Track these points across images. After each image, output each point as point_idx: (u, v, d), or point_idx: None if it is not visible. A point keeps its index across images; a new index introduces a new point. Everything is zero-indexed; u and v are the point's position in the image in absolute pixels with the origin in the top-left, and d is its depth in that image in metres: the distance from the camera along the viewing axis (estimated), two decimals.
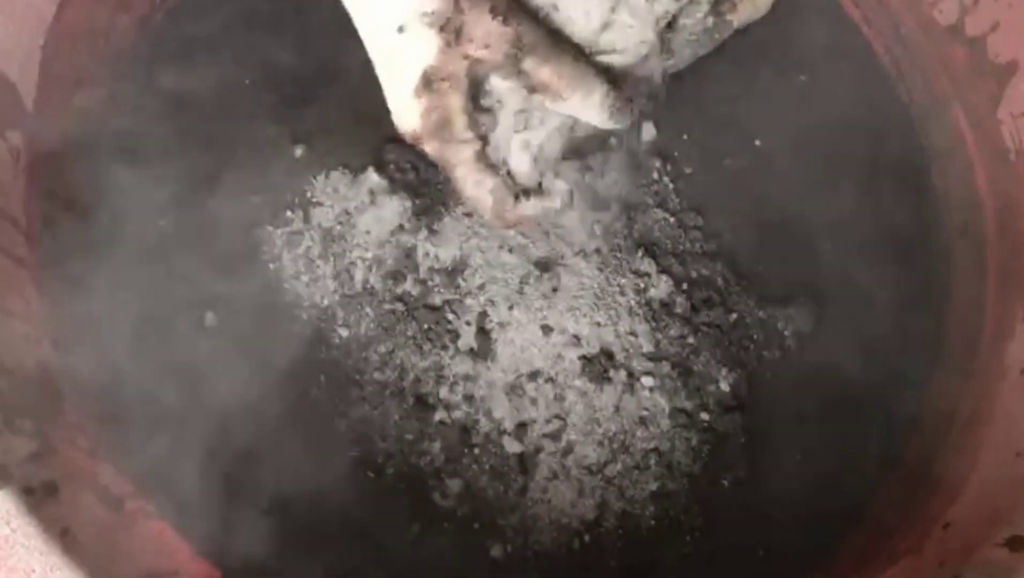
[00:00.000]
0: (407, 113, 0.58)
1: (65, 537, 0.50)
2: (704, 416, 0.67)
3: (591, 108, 0.60)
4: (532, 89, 0.59)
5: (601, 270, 0.69)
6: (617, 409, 0.67)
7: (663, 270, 0.70)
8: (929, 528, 0.64)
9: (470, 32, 0.55)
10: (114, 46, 0.74)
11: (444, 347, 0.68)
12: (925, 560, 0.63)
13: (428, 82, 0.56)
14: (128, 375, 0.66)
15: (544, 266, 0.69)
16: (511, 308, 0.68)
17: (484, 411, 0.67)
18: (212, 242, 0.69)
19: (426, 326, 0.68)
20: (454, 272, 0.69)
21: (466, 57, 0.56)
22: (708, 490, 0.67)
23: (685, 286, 0.70)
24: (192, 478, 0.64)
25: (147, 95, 0.74)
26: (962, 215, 0.74)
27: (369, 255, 0.70)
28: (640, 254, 0.70)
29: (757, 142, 0.74)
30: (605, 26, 0.60)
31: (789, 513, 0.66)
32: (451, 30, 0.55)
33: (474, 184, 0.60)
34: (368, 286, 0.69)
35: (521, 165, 0.62)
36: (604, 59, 0.61)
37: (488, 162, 0.60)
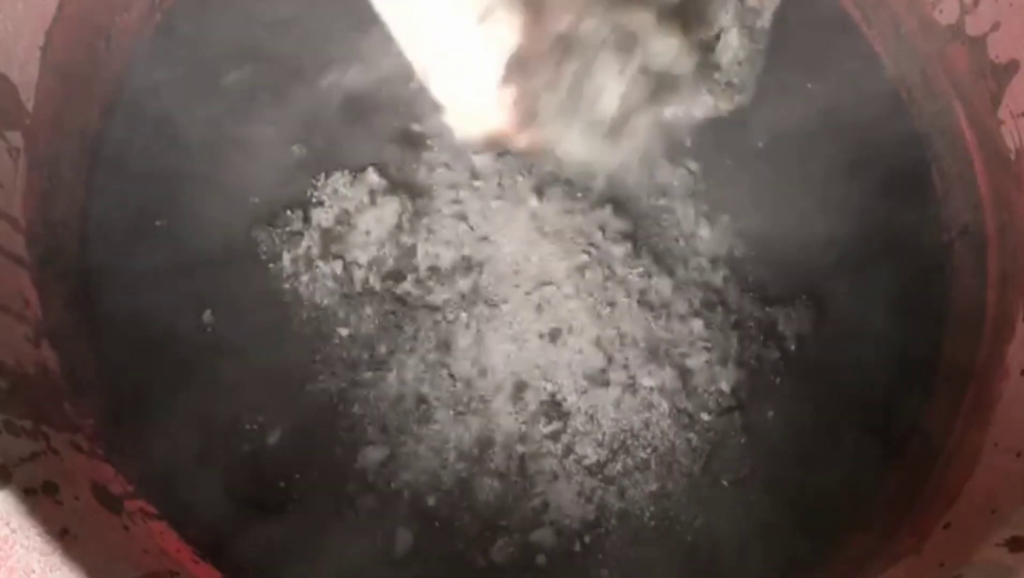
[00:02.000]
0: (489, 111, 0.54)
1: (65, 537, 0.50)
2: (704, 416, 0.67)
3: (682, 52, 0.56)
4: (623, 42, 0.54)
5: (602, 270, 0.69)
6: (617, 409, 0.67)
7: (664, 271, 0.70)
8: (929, 528, 0.64)
9: (552, 4, 0.51)
10: (114, 46, 0.74)
11: (444, 347, 0.68)
12: (925, 560, 0.63)
13: (518, 66, 0.52)
14: (128, 375, 0.67)
15: (544, 267, 0.69)
16: (511, 309, 0.68)
17: (483, 412, 0.67)
18: (212, 242, 0.69)
19: (426, 326, 0.68)
20: (454, 272, 0.69)
21: (556, 31, 0.52)
22: (708, 490, 0.67)
23: (685, 286, 0.70)
24: (192, 478, 0.64)
25: (146, 95, 0.74)
26: (962, 215, 0.74)
27: (369, 255, 0.70)
28: (641, 254, 0.70)
29: (759, 144, 0.74)
30: None
31: (789, 513, 0.66)
32: (533, 8, 0.51)
33: (586, 152, 0.56)
34: (368, 286, 0.69)
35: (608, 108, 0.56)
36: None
37: (590, 128, 0.56)
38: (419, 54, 0.54)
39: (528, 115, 0.54)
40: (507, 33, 0.51)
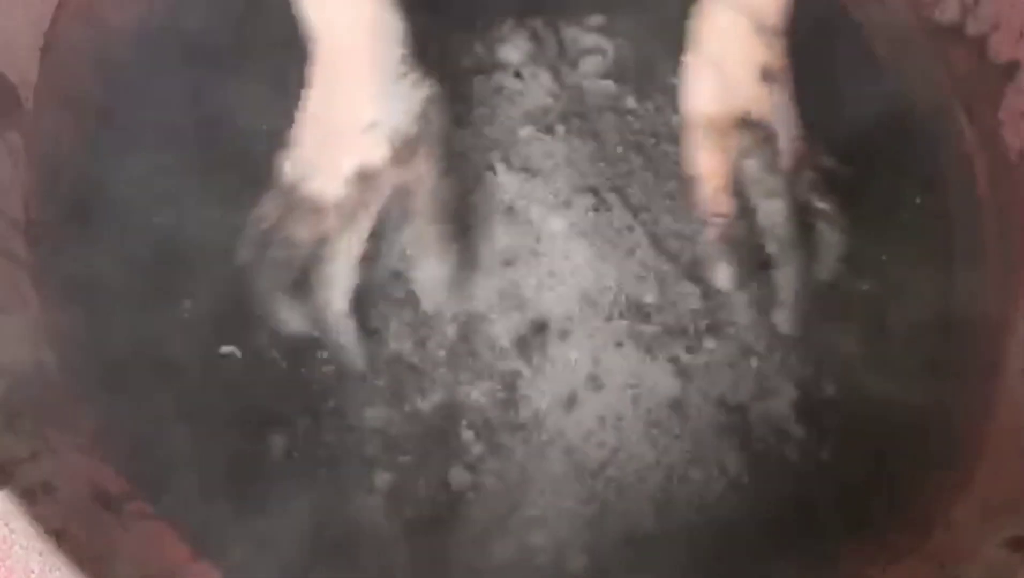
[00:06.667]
0: (330, 189, 0.62)
1: (64, 537, 0.50)
2: (706, 416, 0.67)
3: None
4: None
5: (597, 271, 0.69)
6: (618, 410, 0.67)
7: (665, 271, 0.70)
8: (929, 528, 0.64)
9: (416, 164, 0.63)
10: (114, 46, 0.74)
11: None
12: (925, 560, 0.63)
13: (363, 177, 0.62)
14: (128, 375, 0.67)
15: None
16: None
17: (484, 413, 0.67)
18: (210, 243, 0.69)
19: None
20: None
21: (398, 179, 0.62)
22: (709, 490, 0.67)
23: (686, 287, 0.70)
24: (192, 478, 0.64)
25: (146, 95, 0.74)
26: (962, 215, 0.74)
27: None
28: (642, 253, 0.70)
29: None
30: None
31: (789, 513, 0.66)
32: (406, 152, 0.62)
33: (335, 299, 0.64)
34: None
35: None
36: None
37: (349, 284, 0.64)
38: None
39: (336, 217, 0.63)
40: (374, 151, 0.61)
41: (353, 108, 0.62)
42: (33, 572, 0.48)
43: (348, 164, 0.62)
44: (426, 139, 0.63)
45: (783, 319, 0.67)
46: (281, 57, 0.71)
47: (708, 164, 0.64)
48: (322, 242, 0.63)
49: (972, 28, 0.70)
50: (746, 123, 0.63)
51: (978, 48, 0.70)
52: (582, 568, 0.64)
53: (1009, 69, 0.68)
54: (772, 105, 0.64)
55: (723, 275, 0.65)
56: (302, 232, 0.63)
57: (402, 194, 0.63)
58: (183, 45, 0.75)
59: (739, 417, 0.68)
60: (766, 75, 0.63)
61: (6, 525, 0.48)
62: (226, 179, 0.71)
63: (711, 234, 0.65)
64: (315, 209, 0.63)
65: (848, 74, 0.77)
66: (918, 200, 0.75)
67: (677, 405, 0.67)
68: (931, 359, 0.71)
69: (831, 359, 0.70)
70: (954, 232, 0.74)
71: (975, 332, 0.71)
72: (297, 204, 0.63)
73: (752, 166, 0.64)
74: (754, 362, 0.69)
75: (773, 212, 0.65)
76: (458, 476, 0.66)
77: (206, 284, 0.69)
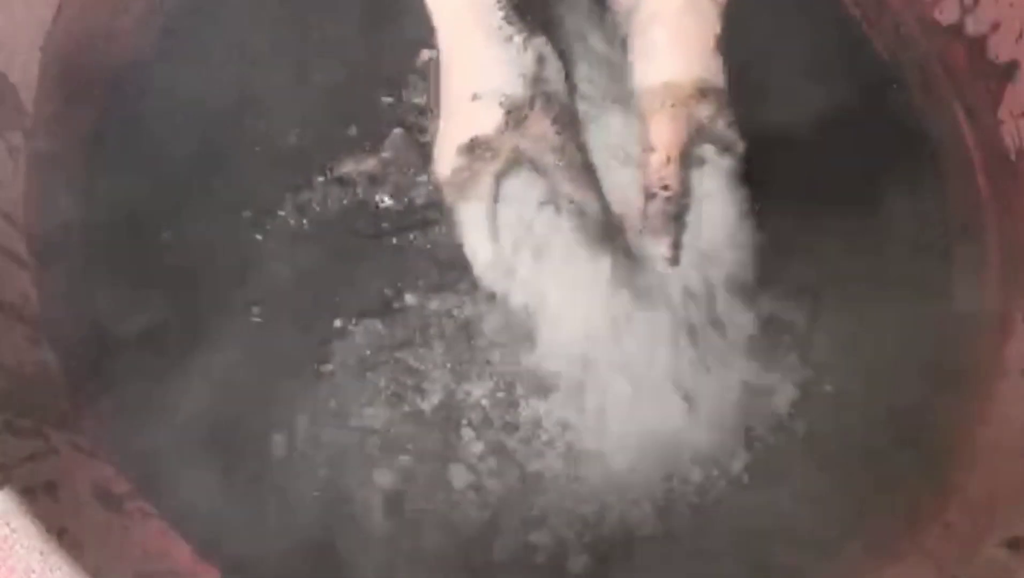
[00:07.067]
0: (444, 162, 0.63)
1: (64, 537, 0.50)
2: (706, 417, 0.67)
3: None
4: (550, 197, 0.64)
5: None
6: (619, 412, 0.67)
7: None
8: (929, 528, 0.64)
9: (530, 125, 0.62)
10: (114, 47, 0.74)
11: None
12: (925, 560, 0.63)
13: (473, 147, 0.62)
14: (128, 375, 0.67)
15: None
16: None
17: (483, 413, 0.67)
18: (210, 243, 0.70)
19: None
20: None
21: (514, 142, 0.62)
22: (709, 490, 0.67)
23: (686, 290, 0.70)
24: (192, 478, 0.64)
25: (146, 95, 0.74)
26: (962, 215, 0.74)
27: None
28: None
29: (759, 144, 0.74)
30: None
31: (789, 513, 0.66)
32: (516, 117, 0.61)
33: (476, 241, 0.65)
34: None
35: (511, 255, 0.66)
36: None
37: (492, 227, 0.65)
38: (443, 98, 0.64)
39: (462, 184, 0.64)
40: (486, 120, 0.62)
41: (462, 78, 0.63)
42: (34, 572, 0.48)
43: (460, 135, 0.63)
44: (540, 100, 0.62)
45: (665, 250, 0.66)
46: (281, 58, 0.71)
47: (665, 134, 0.64)
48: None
49: (972, 28, 0.71)
50: (703, 91, 0.64)
51: (978, 48, 0.70)
52: (582, 568, 0.64)
53: (1009, 69, 0.68)
54: (721, 70, 0.65)
55: (665, 250, 0.65)
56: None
57: (521, 157, 0.63)
58: (183, 45, 0.75)
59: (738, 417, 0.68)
60: (718, 44, 0.64)
61: (7, 525, 0.48)
62: (226, 179, 0.71)
63: (656, 207, 0.65)
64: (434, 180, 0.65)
65: (848, 74, 0.77)
66: (918, 200, 0.75)
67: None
68: (931, 359, 0.71)
69: (831, 359, 0.70)
70: (954, 232, 0.74)
71: (975, 332, 0.71)
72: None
73: (717, 125, 0.65)
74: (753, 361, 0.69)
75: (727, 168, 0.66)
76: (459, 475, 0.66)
77: (206, 283, 0.69)
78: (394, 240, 0.71)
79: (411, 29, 0.72)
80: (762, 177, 0.73)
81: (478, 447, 0.66)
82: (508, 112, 0.61)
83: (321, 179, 0.72)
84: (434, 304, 0.69)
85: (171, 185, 0.71)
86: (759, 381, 0.69)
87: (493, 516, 0.65)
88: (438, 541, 0.65)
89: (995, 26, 0.69)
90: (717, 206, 0.67)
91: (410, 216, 0.71)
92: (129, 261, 0.69)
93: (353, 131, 0.73)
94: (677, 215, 0.65)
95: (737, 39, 0.66)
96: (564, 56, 0.65)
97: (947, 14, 0.72)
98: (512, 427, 0.67)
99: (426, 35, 0.64)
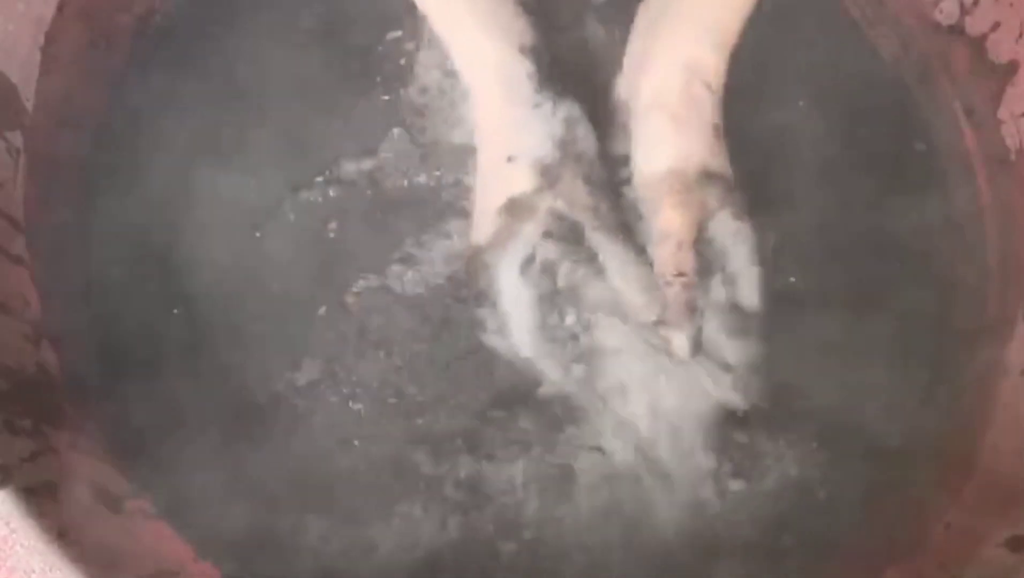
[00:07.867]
0: (484, 226, 0.65)
1: (64, 537, 0.50)
2: (706, 419, 0.67)
3: (635, 299, 0.64)
4: (583, 262, 0.63)
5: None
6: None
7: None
8: (929, 528, 0.64)
9: (563, 186, 0.63)
10: (114, 47, 0.74)
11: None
12: (925, 560, 0.63)
13: (512, 207, 0.64)
14: (128, 375, 0.67)
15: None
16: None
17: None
18: (208, 243, 0.70)
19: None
20: None
21: (549, 203, 0.63)
22: (709, 491, 0.67)
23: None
24: (192, 478, 0.64)
25: (146, 96, 0.74)
26: (962, 215, 0.74)
27: None
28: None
29: (758, 144, 0.74)
30: None
31: (789, 513, 0.66)
32: (550, 177, 0.63)
33: (512, 300, 0.64)
34: None
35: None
36: None
37: (534, 291, 0.64)
38: (479, 162, 0.67)
39: (502, 244, 0.64)
40: (522, 181, 0.64)
41: (495, 143, 0.65)
42: (34, 572, 0.48)
43: (498, 198, 0.64)
44: (570, 160, 0.64)
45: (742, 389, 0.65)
46: (281, 58, 0.71)
47: (675, 220, 0.64)
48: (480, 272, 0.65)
49: (972, 28, 0.71)
50: (708, 176, 0.64)
51: (978, 48, 0.70)
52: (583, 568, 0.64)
53: (1009, 69, 0.69)
54: (725, 158, 0.65)
55: (680, 344, 0.63)
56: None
57: (557, 217, 0.64)
58: (183, 44, 0.75)
59: (737, 418, 0.68)
60: (717, 133, 0.65)
61: (7, 525, 0.48)
62: (226, 178, 0.71)
63: (673, 296, 0.63)
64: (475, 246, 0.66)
65: (848, 74, 0.77)
66: (917, 200, 0.75)
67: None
68: (931, 360, 0.71)
69: (831, 360, 0.70)
70: (954, 233, 0.74)
71: (975, 333, 0.71)
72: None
73: (724, 216, 0.64)
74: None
75: (745, 258, 0.65)
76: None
77: (205, 282, 0.69)
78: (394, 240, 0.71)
79: (411, 29, 0.72)
80: (761, 179, 0.74)
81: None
82: (541, 174, 0.63)
83: (321, 179, 0.72)
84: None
85: (171, 184, 0.71)
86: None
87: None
88: (444, 556, 0.65)
89: (995, 26, 0.69)
90: (737, 288, 0.66)
91: (410, 216, 0.71)
92: (129, 261, 0.69)
93: (353, 131, 0.73)
94: (695, 304, 0.64)
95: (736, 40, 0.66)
96: (594, 117, 0.66)
97: (947, 14, 0.72)
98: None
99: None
